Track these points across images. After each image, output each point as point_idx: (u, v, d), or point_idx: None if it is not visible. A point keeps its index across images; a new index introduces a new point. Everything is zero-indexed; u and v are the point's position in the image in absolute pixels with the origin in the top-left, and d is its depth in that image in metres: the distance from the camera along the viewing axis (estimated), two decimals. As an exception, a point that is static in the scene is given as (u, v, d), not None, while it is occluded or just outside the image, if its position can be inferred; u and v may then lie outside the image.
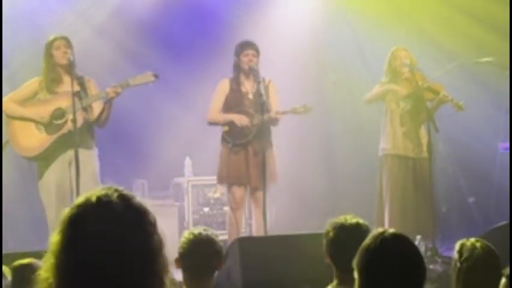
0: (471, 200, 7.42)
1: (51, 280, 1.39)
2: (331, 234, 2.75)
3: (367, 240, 1.98)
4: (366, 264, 1.95)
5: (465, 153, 7.30)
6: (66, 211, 1.44)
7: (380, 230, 2.03)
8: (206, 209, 6.87)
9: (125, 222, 1.41)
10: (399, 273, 1.93)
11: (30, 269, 2.75)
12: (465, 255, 2.63)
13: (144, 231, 1.42)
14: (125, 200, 1.43)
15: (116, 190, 1.44)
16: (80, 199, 1.44)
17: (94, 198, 1.42)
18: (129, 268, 1.38)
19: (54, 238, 1.42)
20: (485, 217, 6.71)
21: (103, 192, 1.44)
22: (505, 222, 4.44)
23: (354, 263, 1.99)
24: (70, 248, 1.39)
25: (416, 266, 1.97)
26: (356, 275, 1.98)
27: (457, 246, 2.71)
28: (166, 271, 1.43)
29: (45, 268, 1.41)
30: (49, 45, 5.08)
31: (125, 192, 1.45)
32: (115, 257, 1.37)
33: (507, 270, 2.50)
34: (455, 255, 2.68)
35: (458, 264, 2.63)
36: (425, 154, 5.55)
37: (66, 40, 5.08)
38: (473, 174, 7.27)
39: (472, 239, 2.71)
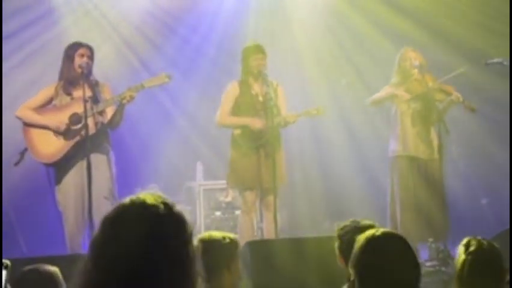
0: (484, 201, 7.38)
1: (90, 274, 1.44)
2: (345, 237, 2.76)
3: (360, 241, 2.00)
4: (360, 264, 1.97)
5: (478, 154, 7.27)
6: (109, 210, 1.50)
7: (372, 230, 2.05)
8: (218, 213, 6.88)
9: (165, 226, 1.46)
10: (392, 271, 1.94)
11: (37, 274, 2.76)
12: (471, 248, 2.64)
13: (182, 238, 1.48)
14: (167, 206, 1.49)
15: (159, 196, 1.51)
16: (125, 200, 1.50)
17: (138, 200, 1.49)
18: (164, 271, 1.42)
19: (95, 234, 1.48)
20: (498, 218, 6.66)
21: (148, 196, 1.50)
22: (505, 228, 4.41)
23: (350, 263, 2.01)
24: (109, 244, 1.44)
25: (408, 263, 1.98)
26: (352, 277, 2.00)
27: (464, 241, 2.71)
28: (197, 279, 1.49)
29: (85, 263, 1.46)
30: (72, 49, 5.11)
31: (168, 199, 1.52)
32: (152, 259, 1.42)
33: None
34: (461, 248, 2.68)
35: (464, 256, 2.63)
36: (436, 155, 5.53)
37: (90, 49, 5.12)
38: (486, 175, 7.23)
39: (478, 237, 2.72)
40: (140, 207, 1.48)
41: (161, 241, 1.45)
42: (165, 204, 1.50)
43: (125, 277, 1.41)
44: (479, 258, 2.59)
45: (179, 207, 1.53)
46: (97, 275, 1.43)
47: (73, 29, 6.94)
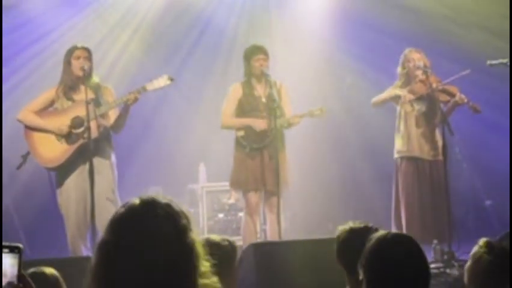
0: (488, 203, 7.36)
1: (97, 275, 1.46)
2: (341, 239, 2.76)
3: (370, 243, 1.99)
4: (370, 265, 1.96)
5: (482, 155, 7.25)
6: (114, 212, 1.53)
7: (384, 231, 2.04)
8: (221, 215, 6.87)
9: (167, 225, 1.48)
10: (401, 274, 1.93)
11: (43, 276, 2.76)
12: (496, 250, 2.62)
13: (184, 236, 1.49)
14: (168, 205, 1.51)
15: (159, 195, 1.54)
16: (135, 200, 1.53)
17: (138, 201, 1.51)
18: (167, 269, 1.44)
19: (101, 236, 1.50)
20: (502, 220, 6.65)
21: (148, 196, 1.53)
22: (505, 232, 4.40)
23: (359, 264, 1.99)
24: (114, 245, 1.46)
25: (418, 265, 1.97)
26: (361, 276, 1.99)
27: (482, 242, 2.68)
28: (200, 276, 1.50)
29: (92, 264, 1.48)
30: (69, 53, 5.11)
31: (168, 198, 1.54)
32: (154, 258, 1.43)
33: None
34: (480, 250, 2.65)
35: (489, 257, 2.59)
36: (440, 157, 5.51)
37: (87, 51, 5.11)
38: (490, 177, 7.21)
39: (492, 240, 2.70)
40: (153, 206, 1.50)
41: (163, 240, 1.46)
42: (174, 203, 1.53)
43: (132, 277, 1.43)
44: (505, 261, 2.57)
45: (180, 205, 1.55)
46: (104, 278, 1.45)
47: (77, 34, 6.96)
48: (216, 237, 2.94)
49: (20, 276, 1.53)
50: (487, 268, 2.58)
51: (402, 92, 5.64)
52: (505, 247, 2.62)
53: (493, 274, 2.57)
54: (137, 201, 1.52)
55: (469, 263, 2.71)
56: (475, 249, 2.68)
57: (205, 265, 1.52)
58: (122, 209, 1.51)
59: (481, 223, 7.07)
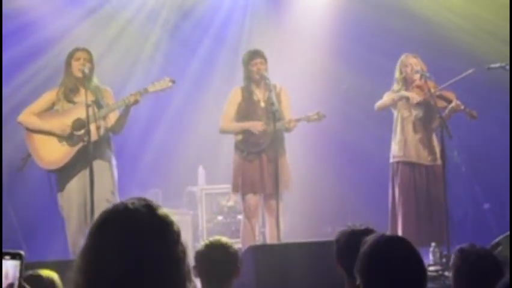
0: (486, 206, 7.37)
1: (79, 282, 1.44)
2: (341, 241, 2.76)
3: (365, 246, 1.99)
4: (366, 269, 1.96)
5: (480, 159, 7.26)
6: (96, 217, 1.51)
7: (378, 234, 2.04)
8: (220, 218, 6.89)
9: (150, 230, 1.45)
10: (397, 276, 1.93)
11: (40, 280, 2.76)
12: (472, 257, 2.63)
13: (168, 240, 1.46)
14: (151, 210, 1.48)
15: (143, 200, 1.50)
16: (109, 207, 1.51)
17: (121, 206, 1.48)
18: (151, 275, 1.42)
19: (84, 242, 1.49)
20: (501, 223, 6.66)
21: (131, 201, 1.50)
22: (506, 233, 4.41)
23: (355, 268, 2.00)
24: (95, 252, 1.44)
25: (414, 267, 1.97)
26: (358, 280, 1.99)
27: (457, 251, 2.71)
28: (188, 280, 1.47)
29: (74, 270, 1.46)
30: (70, 55, 5.14)
31: (152, 202, 1.51)
32: (137, 264, 1.41)
33: None
34: (456, 258, 2.67)
35: (465, 265, 2.62)
36: (438, 161, 5.52)
37: (87, 53, 5.13)
38: (488, 179, 7.22)
39: (466, 245, 2.72)
40: (123, 212, 1.48)
41: (144, 244, 1.44)
42: (148, 206, 1.49)
43: (113, 282, 1.41)
44: (479, 268, 2.58)
45: (164, 210, 1.51)
46: (85, 283, 1.44)
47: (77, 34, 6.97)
48: (221, 239, 2.98)
49: (21, 285, 1.53)
50: (467, 276, 2.59)
51: (410, 94, 5.63)
52: (479, 252, 2.63)
53: (475, 279, 2.58)
54: (121, 207, 1.49)
55: (451, 274, 2.73)
56: (452, 258, 2.70)
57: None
58: (104, 214, 1.49)
59: (480, 226, 7.07)
